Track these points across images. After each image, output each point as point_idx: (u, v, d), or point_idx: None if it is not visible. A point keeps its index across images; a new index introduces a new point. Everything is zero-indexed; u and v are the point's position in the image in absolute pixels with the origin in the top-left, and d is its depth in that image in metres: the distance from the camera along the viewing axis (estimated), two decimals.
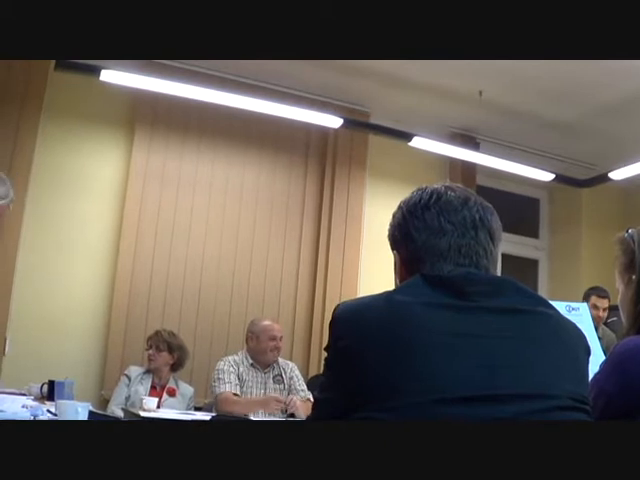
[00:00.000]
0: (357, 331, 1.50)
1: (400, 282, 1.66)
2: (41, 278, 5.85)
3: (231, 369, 5.00)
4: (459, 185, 1.72)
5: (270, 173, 6.67)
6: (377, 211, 6.73)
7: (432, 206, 1.65)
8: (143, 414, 4.10)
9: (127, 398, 5.09)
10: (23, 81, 5.73)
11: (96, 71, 5.40)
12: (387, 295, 1.54)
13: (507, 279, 1.59)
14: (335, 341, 1.54)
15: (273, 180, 6.66)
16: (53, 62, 5.57)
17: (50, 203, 5.96)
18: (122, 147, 6.27)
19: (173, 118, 6.27)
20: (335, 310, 1.58)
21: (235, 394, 4.87)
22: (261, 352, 5.08)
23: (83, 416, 2.28)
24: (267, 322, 5.20)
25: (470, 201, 1.65)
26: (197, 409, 5.18)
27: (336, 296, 6.44)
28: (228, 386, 4.91)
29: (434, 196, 1.66)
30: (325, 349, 1.58)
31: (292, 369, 5.20)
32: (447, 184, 1.70)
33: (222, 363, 5.04)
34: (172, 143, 6.33)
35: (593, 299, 6.20)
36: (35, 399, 3.88)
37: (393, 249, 1.71)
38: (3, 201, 4.05)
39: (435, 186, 1.69)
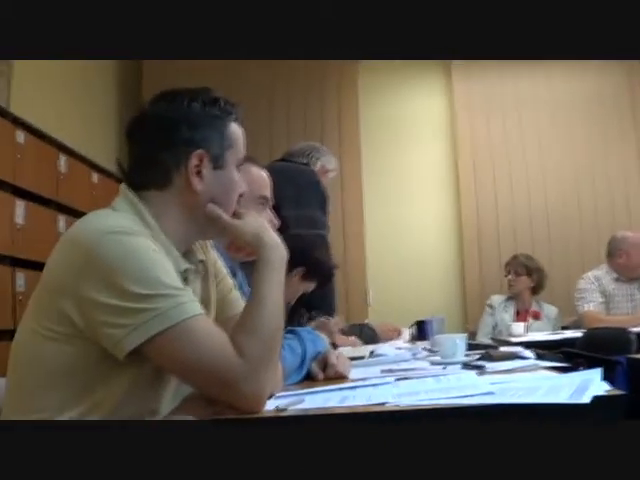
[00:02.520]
0: None
1: None
2: (389, 227, 6.10)
3: (593, 286, 4.86)
4: None
5: (595, 80, 6.24)
6: None
7: None
8: (513, 340, 4.12)
9: (494, 327, 5.15)
10: None
11: None
12: None
13: None
14: None
15: (599, 87, 6.24)
16: None
17: (386, 154, 6.20)
18: (441, 84, 6.31)
19: None
20: None
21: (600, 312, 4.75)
22: (635, 267, 4.85)
23: (462, 348, 2.31)
24: (632, 234, 4.94)
25: None
26: (564, 328, 5.10)
27: None
28: (592, 305, 4.80)
29: None
30: None
31: None
32: None
33: (583, 281, 4.93)
34: (490, 69, 6.18)
35: None
36: (406, 342, 4.02)
37: None
38: (334, 173, 4.31)
39: None
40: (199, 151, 1.49)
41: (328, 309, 3.49)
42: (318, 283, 2.99)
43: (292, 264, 2.61)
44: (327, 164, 4.16)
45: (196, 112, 1.51)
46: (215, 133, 1.52)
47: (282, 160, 4.00)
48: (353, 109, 6.08)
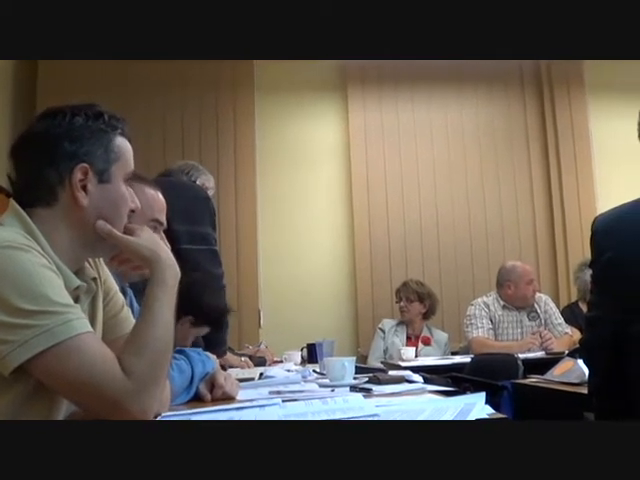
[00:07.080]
0: (620, 240, 1.41)
1: None
2: (282, 249, 6.08)
3: (482, 312, 4.95)
4: None
5: (488, 109, 6.47)
6: (603, 125, 6.34)
7: None
8: (403, 364, 4.17)
9: (385, 351, 5.21)
10: (231, 66, 5.97)
11: None
12: None
13: None
14: (599, 255, 1.46)
15: (492, 116, 6.46)
16: None
17: (280, 175, 6.16)
18: (338, 110, 6.32)
19: (383, 72, 6.25)
20: (593, 224, 1.50)
21: (488, 338, 4.85)
22: (521, 298, 4.97)
23: (350, 370, 2.32)
24: (519, 265, 5.06)
25: None
26: (454, 353, 5.20)
27: (576, 220, 6.18)
28: (481, 331, 4.88)
29: None
30: (590, 266, 1.50)
31: (546, 302, 5.06)
32: None
33: (473, 308, 5.01)
34: (386, 97, 6.31)
35: None
36: (296, 364, 4.03)
37: None
38: (212, 191, 4.28)
39: None
40: (82, 165, 1.46)
41: (220, 347, 3.42)
42: (211, 326, 2.89)
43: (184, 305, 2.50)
44: (206, 182, 4.13)
45: (78, 126, 1.48)
46: (99, 147, 1.49)
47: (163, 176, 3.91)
48: (249, 131, 6.04)
